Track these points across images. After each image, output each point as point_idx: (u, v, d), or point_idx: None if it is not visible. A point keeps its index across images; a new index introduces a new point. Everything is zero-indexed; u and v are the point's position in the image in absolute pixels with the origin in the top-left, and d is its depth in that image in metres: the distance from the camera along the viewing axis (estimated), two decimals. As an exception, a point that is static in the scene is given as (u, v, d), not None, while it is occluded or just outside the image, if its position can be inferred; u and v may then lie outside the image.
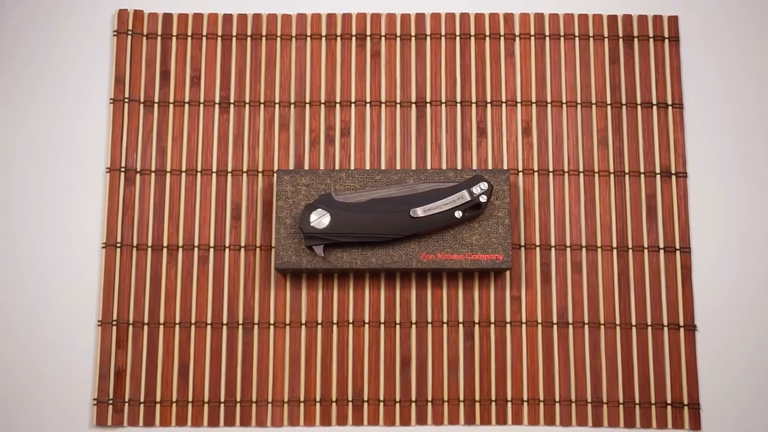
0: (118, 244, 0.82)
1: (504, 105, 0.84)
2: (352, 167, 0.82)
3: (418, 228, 0.76)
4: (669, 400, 0.79)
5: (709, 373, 0.80)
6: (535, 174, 0.83)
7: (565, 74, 0.85)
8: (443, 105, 0.84)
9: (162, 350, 0.81)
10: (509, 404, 0.79)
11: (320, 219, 0.76)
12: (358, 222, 0.75)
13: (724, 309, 0.81)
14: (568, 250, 0.82)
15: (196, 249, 0.82)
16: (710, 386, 0.80)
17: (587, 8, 0.85)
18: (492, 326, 0.80)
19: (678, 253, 0.82)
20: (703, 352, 0.80)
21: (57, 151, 0.82)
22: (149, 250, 0.82)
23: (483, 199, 0.76)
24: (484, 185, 0.77)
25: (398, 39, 0.84)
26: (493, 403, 0.79)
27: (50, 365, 0.79)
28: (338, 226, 0.75)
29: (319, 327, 0.81)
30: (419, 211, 0.76)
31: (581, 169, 0.83)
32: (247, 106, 0.84)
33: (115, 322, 0.80)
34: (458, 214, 0.77)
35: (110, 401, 0.78)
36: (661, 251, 0.82)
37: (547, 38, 0.84)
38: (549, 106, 0.84)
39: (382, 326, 0.80)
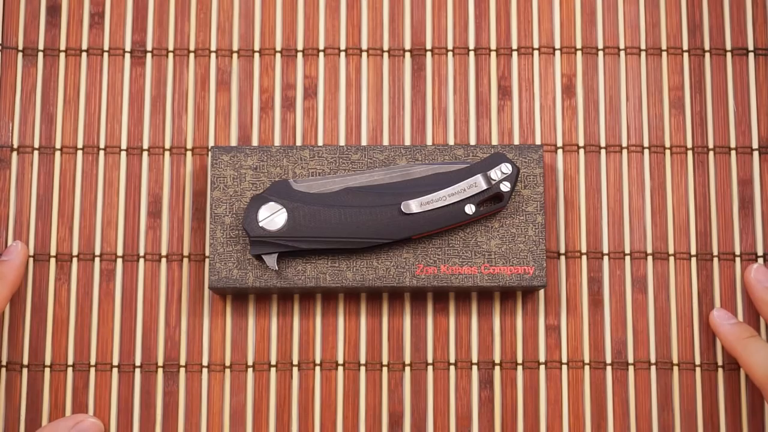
0: (-14, 253, 0.78)
1: (536, 53, 0.81)
2: (320, 143, 0.79)
3: (413, 229, 0.74)
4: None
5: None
6: (581, 151, 0.79)
7: (624, 8, 0.80)
8: (450, 54, 0.81)
9: (49, 403, 0.76)
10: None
11: (273, 217, 0.73)
12: (327, 221, 0.73)
13: None
14: (628, 259, 0.78)
15: (97, 259, 0.78)
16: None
17: None
18: (519, 369, 0.77)
19: (784, 263, 0.78)
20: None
21: None
22: (30, 261, 0.78)
23: (505, 187, 0.74)
24: (507, 168, 0.74)
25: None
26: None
27: None
28: (299, 227, 0.73)
29: (273, 370, 0.77)
30: (414, 205, 0.74)
31: (646, 144, 0.79)
32: (170, 55, 0.80)
33: (-20, 365, 0.78)
34: (470, 209, 0.74)
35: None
36: (760, 260, 0.78)
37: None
38: (601, 54, 0.80)
39: (363, 369, 0.77)
